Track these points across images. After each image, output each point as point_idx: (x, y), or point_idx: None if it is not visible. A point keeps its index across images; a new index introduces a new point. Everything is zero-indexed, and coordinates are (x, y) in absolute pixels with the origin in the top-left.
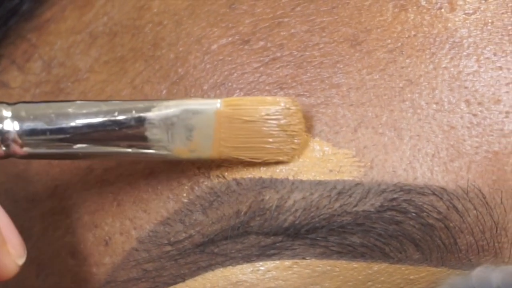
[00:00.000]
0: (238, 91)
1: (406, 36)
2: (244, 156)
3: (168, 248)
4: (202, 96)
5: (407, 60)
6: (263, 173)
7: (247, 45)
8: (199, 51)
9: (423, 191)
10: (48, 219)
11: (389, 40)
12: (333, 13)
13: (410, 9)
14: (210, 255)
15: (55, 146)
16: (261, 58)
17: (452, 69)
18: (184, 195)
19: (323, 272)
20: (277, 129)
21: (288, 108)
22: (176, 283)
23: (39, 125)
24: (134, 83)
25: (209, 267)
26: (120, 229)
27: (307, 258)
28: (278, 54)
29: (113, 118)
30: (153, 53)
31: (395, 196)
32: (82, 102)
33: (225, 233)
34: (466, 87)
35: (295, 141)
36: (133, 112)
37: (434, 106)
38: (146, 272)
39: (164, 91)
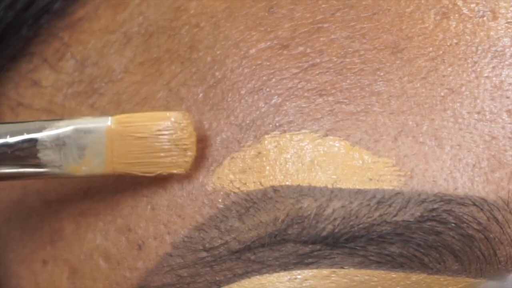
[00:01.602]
0: (276, 96)
1: (448, 44)
2: (137, 171)
3: (203, 254)
4: (240, 101)
5: (449, 69)
6: (301, 180)
7: (286, 50)
8: (237, 55)
9: (464, 201)
10: (80, 221)
11: (431, 48)
12: (374, 19)
13: (452, 17)
14: (246, 262)
15: None
16: (300, 64)
17: (494, 78)
18: (220, 200)
19: (361, 282)
20: (168, 143)
21: (179, 123)
22: None
23: None
24: (170, 86)
25: (245, 274)
26: (154, 234)
27: (345, 267)
28: (318, 60)
29: (4, 141)
30: (189, 56)
31: (435, 206)
32: None
33: (262, 240)
34: (508, 97)
35: (188, 154)
36: (24, 134)
37: (476, 115)
38: (180, 278)
39: (201, 95)
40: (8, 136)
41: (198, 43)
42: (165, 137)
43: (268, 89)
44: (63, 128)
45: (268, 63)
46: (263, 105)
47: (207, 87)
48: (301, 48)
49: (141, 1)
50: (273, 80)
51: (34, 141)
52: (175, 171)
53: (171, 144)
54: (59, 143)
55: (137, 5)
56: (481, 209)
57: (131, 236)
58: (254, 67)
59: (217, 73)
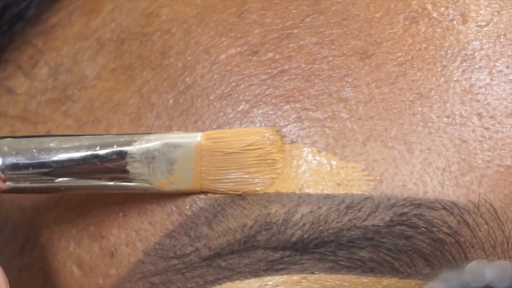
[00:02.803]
0: (244, 103)
1: (417, 49)
2: (224, 188)
3: (175, 261)
4: (208, 107)
5: (418, 73)
6: (268, 187)
7: (255, 56)
8: (207, 60)
9: (434, 205)
10: (53, 228)
11: (400, 53)
12: (343, 25)
13: (421, 22)
14: (217, 269)
15: (38, 180)
16: (269, 70)
17: (464, 82)
18: (187, 207)
19: (332, 287)
20: (257, 159)
21: (268, 138)
22: None
23: (21, 160)
24: (142, 92)
25: (217, 281)
26: (126, 241)
27: (315, 272)
28: (286, 67)
29: (94, 152)
30: (161, 62)
31: (405, 210)
32: (64, 137)
33: (232, 247)
34: (478, 100)
35: (275, 170)
36: (115, 146)
37: (446, 119)
38: (152, 285)
39: (171, 100)
40: (98, 148)
41: (169, 49)
42: (254, 152)
43: (236, 95)
44: (153, 142)
45: (237, 69)
46: (230, 111)
47: (177, 93)
48: (270, 54)
49: (113, 8)
50: (242, 86)
51: (123, 153)
52: (258, 189)
53: (260, 160)
54: (149, 156)
55: (109, 12)
56: (452, 213)
57: (104, 243)
58: (223, 73)
59: (187, 79)
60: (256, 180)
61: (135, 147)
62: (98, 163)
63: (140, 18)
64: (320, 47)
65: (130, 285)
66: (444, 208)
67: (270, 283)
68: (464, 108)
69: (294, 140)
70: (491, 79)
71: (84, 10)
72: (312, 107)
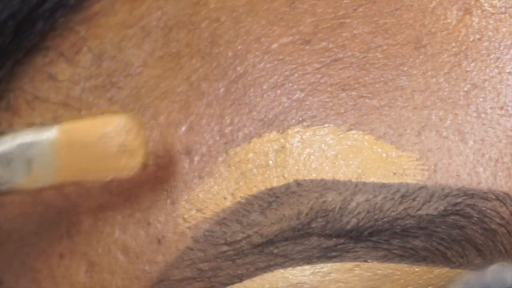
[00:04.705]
0: (299, 91)
1: (471, 40)
2: (88, 177)
3: (225, 248)
4: (262, 96)
5: (472, 64)
6: (325, 174)
7: (308, 45)
8: (259, 49)
9: (487, 196)
10: (98, 214)
11: (454, 44)
12: (396, 15)
13: (474, 13)
14: (269, 256)
15: None
16: (323, 59)
17: None
18: (241, 195)
19: (384, 275)
20: (117, 147)
21: (125, 125)
22: (233, 283)
23: None
24: (191, 80)
25: (268, 268)
26: (174, 228)
27: (368, 260)
28: (340, 55)
29: None
30: (210, 50)
31: (458, 200)
32: None
33: (285, 234)
34: None
35: (138, 155)
36: None
37: (499, 111)
38: (201, 271)
39: (222, 89)
40: None
41: (218, 37)
42: (113, 140)
43: (290, 84)
44: (7, 144)
45: (290, 58)
46: (285, 100)
47: (228, 82)
48: (323, 43)
49: None
50: (296, 75)
51: None
52: (126, 174)
53: (119, 147)
54: (4, 160)
55: (155, 0)
56: (504, 204)
57: (151, 230)
58: (276, 62)
59: (238, 68)
60: (121, 167)
61: None
62: None
63: (187, 6)
64: (373, 36)
65: (177, 271)
66: (497, 199)
67: (323, 270)
68: None
69: (352, 127)
70: None
71: None
72: (368, 95)
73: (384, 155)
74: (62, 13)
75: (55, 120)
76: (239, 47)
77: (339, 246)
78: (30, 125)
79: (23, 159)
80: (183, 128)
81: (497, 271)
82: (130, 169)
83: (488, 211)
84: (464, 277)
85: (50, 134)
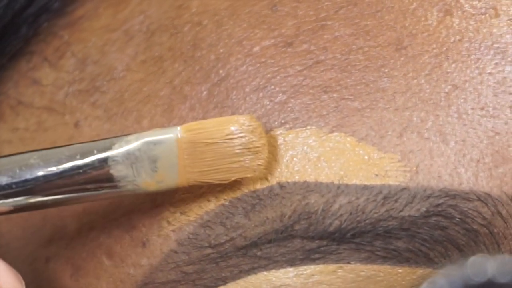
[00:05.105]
0: (281, 94)
1: (451, 41)
2: (211, 179)
3: (209, 250)
4: (245, 99)
5: (453, 65)
6: (308, 176)
7: (290, 47)
8: (241, 52)
9: (468, 196)
10: (82, 218)
11: (434, 45)
12: (378, 16)
13: (455, 14)
14: (253, 258)
15: (23, 198)
16: (305, 61)
17: (497, 75)
18: (225, 197)
19: (367, 277)
20: (240, 147)
21: (248, 125)
22: (217, 286)
23: (4, 180)
24: (173, 83)
25: (252, 270)
26: (158, 231)
27: (351, 262)
28: (322, 57)
29: (75, 162)
30: (192, 54)
31: (440, 201)
32: (43, 151)
33: (269, 237)
34: (510, 93)
35: (260, 156)
36: (95, 152)
37: (479, 111)
38: (185, 274)
39: (205, 92)
40: (78, 156)
41: (201, 41)
42: (236, 141)
43: (272, 87)
44: (133, 143)
45: (272, 61)
46: (268, 103)
47: (211, 85)
48: (305, 46)
49: (142, 0)
50: (278, 77)
51: (105, 158)
52: (248, 176)
53: (242, 148)
54: (131, 157)
55: (138, 4)
56: (486, 204)
57: (135, 233)
58: (258, 65)
59: (221, 71)
60: (244, 168)
61: (116, 150)
62: (81, 172)
63: (170, 10)
64: (355, 38)
65: (162, 274)
66: (479, 199)
67: (306, 272)
68: (497, 100)
69: (334, 129)
70: None
71: (111, 2)
72: (350, 97)
73: (366, 157)
74: (45, 18)
75: (40, 125)
76: (221, 50)
77: (322, 248)
78: (15, 130)
79: (148, 159)
80: None
81: (477, 262)
82: (254, 169)
83: (470, 211)
84: (444, 269)
85: (174, 133)
